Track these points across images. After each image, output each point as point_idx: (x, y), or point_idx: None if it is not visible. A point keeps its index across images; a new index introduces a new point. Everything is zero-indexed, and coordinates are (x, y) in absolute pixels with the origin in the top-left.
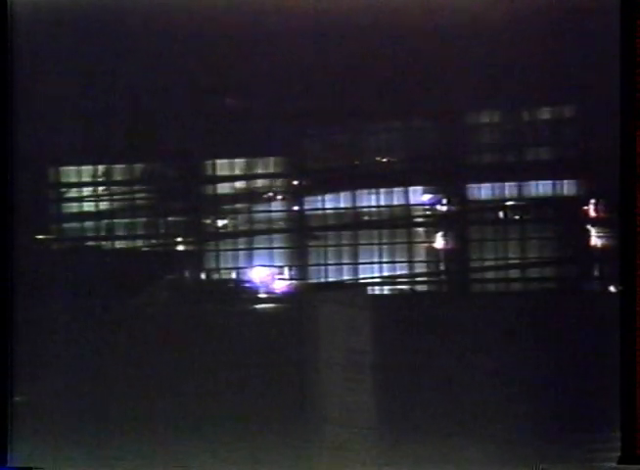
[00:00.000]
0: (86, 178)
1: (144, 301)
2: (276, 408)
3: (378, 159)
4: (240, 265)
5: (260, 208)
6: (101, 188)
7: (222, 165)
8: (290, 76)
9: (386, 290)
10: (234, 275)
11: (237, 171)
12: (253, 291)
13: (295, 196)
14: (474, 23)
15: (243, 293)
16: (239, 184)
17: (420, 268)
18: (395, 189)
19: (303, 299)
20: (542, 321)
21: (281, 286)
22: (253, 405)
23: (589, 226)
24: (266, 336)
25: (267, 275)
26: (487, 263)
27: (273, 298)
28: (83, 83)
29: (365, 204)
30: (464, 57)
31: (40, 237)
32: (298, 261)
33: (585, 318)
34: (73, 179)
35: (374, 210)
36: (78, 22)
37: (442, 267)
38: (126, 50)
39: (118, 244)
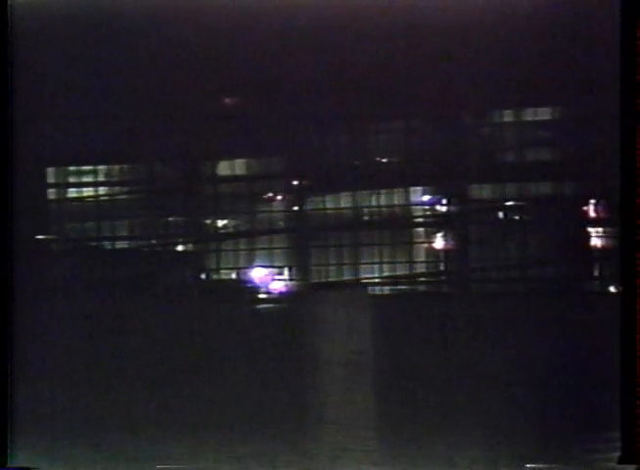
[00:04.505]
0: (86, 178)
1: (143, 301)
2: (278, 408)
3: (378, 159)
4: (240, 265)
5: (260, 208)
6: (101, 188)
7: (222, 166)
8: (291, 77)
9: (386, 289)
10: (234, 275)
11: (237, 171)
12: (255, 291)
13: (294, 196)
14: (473, 24)
15: (244, 293)
16: (239, 184)
17: (420, 268)
18: (395, 189)
19: (303, 299)
20: (542, 321)
21: (281, 286)
22: (253, 405)
23: (589, 226)
24: (266, 336)
25: (267, 275)
26: (487, 263)
27: (274, 298)
28: (83, 83)
29: (365, 204)
30: (464, 58)
31: (40, 237)
32: (298, 262)
33: (585, 318)
34: (73, 179)
35: (374, 209)
36: (78, 22)
37: (442, 267)
38: (126, 50)
39: (118, 244)
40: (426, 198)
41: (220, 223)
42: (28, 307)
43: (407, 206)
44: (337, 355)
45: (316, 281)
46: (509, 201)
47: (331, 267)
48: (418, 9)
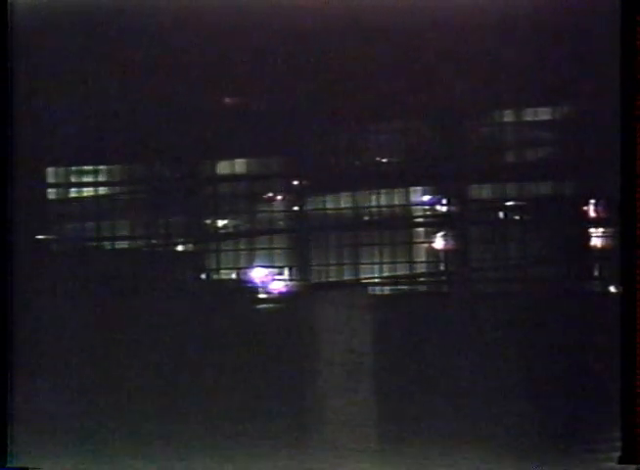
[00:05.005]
0: (86, 178)
1: (143, 301)
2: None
3: (378, 159)
4: (240, 265)
5: (260, 208)
6: (101, 188)
7: (222, 166)
8: (291, 77)
9: (386, 289)
10: (234, 275)
11: (237, 171)
12: (255, 291)
13: (294, 196)
14: (473, 24)
15: (244, 293)
16: (239, 184)
17: (420, 268)
18: (395, 189)
19: (303, 299)
20: (542, 321)
21: (281, 286)
22: (253, 405)
23: (589, 226)
24: (266, 335)
25: (267, 275)
26: (487, 263)
27: (274, 298)
28: (83, 83)
29: (365, 204)
30: (464, 58)
31: (40, 237)
32: (298, 262)
33: (585, 318)
34: (73, 179)
35: (374, 209)
36: (78, 22)
37: (442, 267)
38: (126, 50)
39: (118, 244)
40: (426, 198)
41: (220, 223)
42: (28, 307)
43: (407, 206)
44: (337, 355)
45: (316, 281)
46: (509, 201)
47: (331, 267)
48: (419, 9)
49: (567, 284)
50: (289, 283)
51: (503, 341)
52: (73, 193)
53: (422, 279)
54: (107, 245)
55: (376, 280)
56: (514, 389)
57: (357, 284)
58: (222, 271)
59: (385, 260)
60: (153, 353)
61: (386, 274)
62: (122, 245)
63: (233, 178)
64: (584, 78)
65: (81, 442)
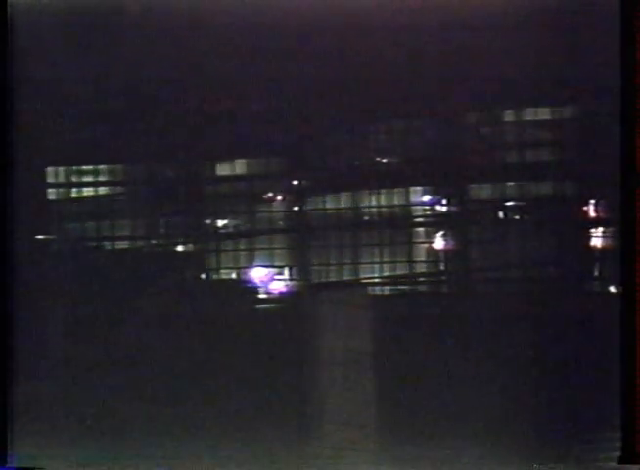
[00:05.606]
0: (86, 178)
1: (143, 301)
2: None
3: (378, 159)
4: (240, 265)
5: (260, 208)
6: (101, 188)
7: (222, 166)
8: (291, 77)
9: (386, 289)
10: (234, 275)
11: (237, 171)
12: (255, 291)
13: (294, 196)
14: (473, 22)
15: (244, 293)
16: (239, 184)
17: (420, 268)
18: (395, 189)
19: (303, 298)
20: (542, 321)
21: (281, 286)
22: (252, 405)
23: (589, 226)
24: (265, 335)
25: (267, 275)
26: (487, 263)
27: (274, 298)
28: (83, 83)
29: (365, 204)
30: (464, 57)
31: (40, 237)
32: (298, 262)
33: (585, 318)
34: (73, 179)
35: (374, 209)
36: (78, 22)
37: (442, 267)
38: (126, 50)
39: (118, 244)
40: (426, 198)
41: (220, 223)
42: (28, 307)
43: (407, 206)
44: (337, 355)
45: (316, 281)
46: (509, 201)
47: (331, 267)
48: (418, 8)
49: (566, 284)
50: (289, 283)
51: (502, 341)
52: (73, 193)
53: (422, 279)
54: (107, 245)
55: (376, 280)
56: (513, 389)
57: (357, 284)
58: (222, 271)
59: (385, 260)
60: (153, 353)
61: (386, 274)
62: (122, 245)
63: (233, 178)
64: (584, 78)
65: (82, 441)
